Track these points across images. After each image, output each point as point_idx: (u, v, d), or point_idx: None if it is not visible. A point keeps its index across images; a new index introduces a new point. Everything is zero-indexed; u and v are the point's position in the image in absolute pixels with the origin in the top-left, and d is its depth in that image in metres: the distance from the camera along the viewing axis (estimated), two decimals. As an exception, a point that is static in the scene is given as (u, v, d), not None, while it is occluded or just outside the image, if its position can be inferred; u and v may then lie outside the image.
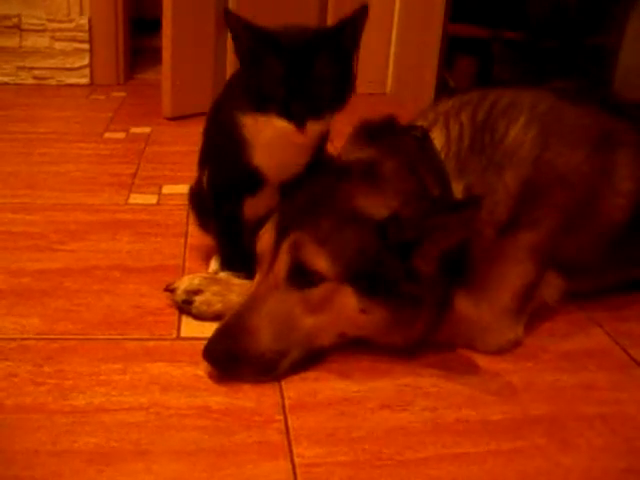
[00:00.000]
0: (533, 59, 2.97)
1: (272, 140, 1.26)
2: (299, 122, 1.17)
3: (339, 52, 1.20)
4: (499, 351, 1.30)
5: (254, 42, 1.17)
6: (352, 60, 1.24)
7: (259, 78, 1.18)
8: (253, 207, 1.41)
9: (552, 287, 1.40)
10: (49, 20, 3.20)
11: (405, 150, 1.26)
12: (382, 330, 1.20)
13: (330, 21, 3.17)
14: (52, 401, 1.10)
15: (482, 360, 1.28)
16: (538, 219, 1.31)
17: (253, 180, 1.35)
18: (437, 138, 1.32)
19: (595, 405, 1.19)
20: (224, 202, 1.43)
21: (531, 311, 1.36)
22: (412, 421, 1.11)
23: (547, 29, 2.89)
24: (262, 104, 1.19)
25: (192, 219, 1.63)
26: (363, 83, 3.50)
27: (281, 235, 1.19)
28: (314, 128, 1.19)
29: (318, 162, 1.33)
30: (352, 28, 1.22)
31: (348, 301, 1.15)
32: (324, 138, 1.33)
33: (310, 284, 1.15)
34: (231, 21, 1.18)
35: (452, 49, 2.95)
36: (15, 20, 3.18)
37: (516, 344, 1.32)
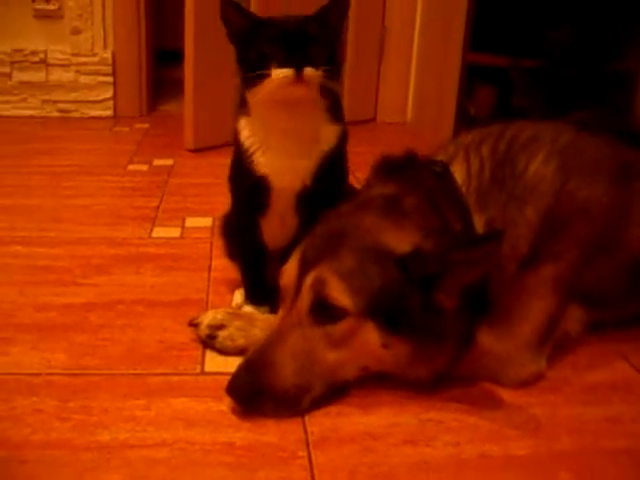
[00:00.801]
0: (553, 87, 2.98)
1: (270, 109, 1.34)
2: (298, 67, 1.26)
3: (327, 25, 1.34)
4: (522, 384, 1.29)
5: (251, 20, 1.34)
6: (338, 36, 1.39)
7: (258, 47, 1.30)
8: (271, 233, 1.45)
9: (574, 319, 1.39)
10: (74, 55, 3.27)
11: (426, 185, 1.27)
12: (404, 364, 1.20)
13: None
14: (77, 437, 1.11)
15: (505, 394, 1.27)
16: (559, 252, 1.32)
17: (261, 191, 1.39)
18: (458, 172, 1.32)
19: (620, 439, 1.18)
20: (242, 222, 1.46)
21: (554, 343, 1.35)
22: (435, 457, 1.10)
23: (566, 57, 2.90)
24: (259, 68, 1.29)
25: (222, 249, 1.64)
26: (383, 112, 3.53)
27: (304, 270, 1.20)
28: (311, 75, 1.27)
29: (340, 195, 1.35)
30: (337, 8, 1.36)
31: (370, 336, 1.16)
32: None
33: (333, 319, 1.16)
34: (227, 9, 1.34)
35: (472, 78, 2.97)
36: (42, 55, 3.25)
37: (539, 377, 1.31)
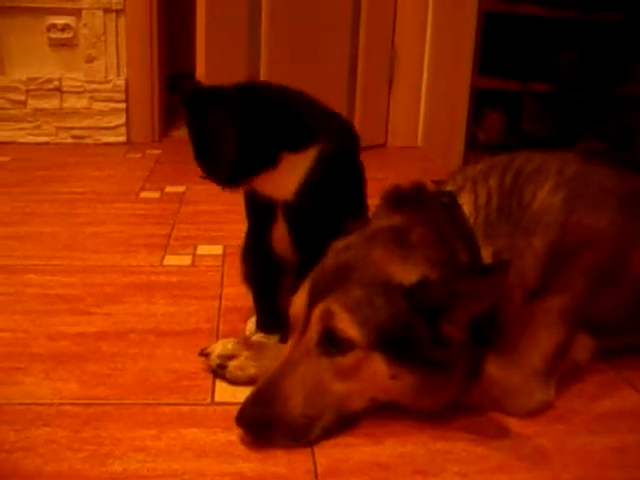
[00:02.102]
0: (562, 112, 2.99)
1: None
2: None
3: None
4: (530, 414, 1.30)
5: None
6: None
7: None
8: (280, 243, 1.47)
9: (582, 347, 1.40)
10: (88, 82, 3.32)
11: (434, 216, 1.28)
12: (412, 395, 1.21)
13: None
14: (89, 468, 1.12)
15: (512, 423, 1.28)
16: (567, 282, 1.32)
17: (261, 203, 1.44)
18: (465, 203, 1.34)
19: (627, 469, 1.18)
20: (254, 236, 1.51)
21: (562, 373, 1.36)
22: (443, 487, 1.11)
23: (575, 81, 2.91)
24: None
25: (233, 277, 1.68)
26: (394, 137, 3.54)
27: (313, 301, 1.21)
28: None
29: (349, 226, 1.37)
30: None
31: (378, 368, 1.17)
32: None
33: (341, 351, 1.17)
34: None
35: (481, 102, 2.98)
36: (56, 83, 3.30)
37: (547, 406, 1.32)
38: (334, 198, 1.39)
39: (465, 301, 1.15)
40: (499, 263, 1.24)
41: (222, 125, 1.33)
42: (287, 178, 1.39)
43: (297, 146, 1.38)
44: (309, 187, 1.39)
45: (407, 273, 1.18)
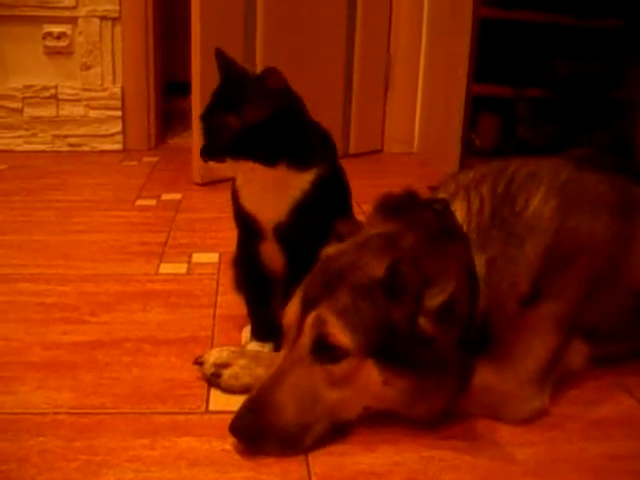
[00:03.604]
0: (556, 117, 3.00)
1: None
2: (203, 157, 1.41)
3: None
4: (524, 421, 1.30)
5: None
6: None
7: None
8: (269, 260, 1.49)
9: (577, 353, 1.40)
10: (84, 90, 3.32)
11: (426, 223, 1.28)
12: (405, 402, 1.21)
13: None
14: (82, 478, 1.11)
15: (506, 431, 1.28)
16: (561, 289, 1.32)
17: (250, 223, 1.46)
18: (458, 211, 1.34)
19: (622, 476, 1.18)
20: (244, 250, 1.53)
21: (556, 379, 1.36)
22: (437, 495, 1.11)
23: (569, 86, 2.92)
24: None
25: (228, 286, 1.67)
26: (391, 143, 3.55)
27: (305, 309, 1.21)
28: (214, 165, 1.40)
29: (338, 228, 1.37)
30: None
31: (371, 375, 1.17)
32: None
33: (333, 359, 1.17)
34: None
35: (476, 108, 2.99)
36: (52, 91, 3.31)
37: (541, 413, 1.32)
38: (326, 216, 1.40)
39: (433, 282, 1.15)
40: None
41: (252, 97, 1.35)
42: (280, 197, 1.41)
43: (297, 163, 1.39)
44: (303, 209, 1.41)
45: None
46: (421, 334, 1.16)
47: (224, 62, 1.45)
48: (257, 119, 1.35)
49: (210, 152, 1.37)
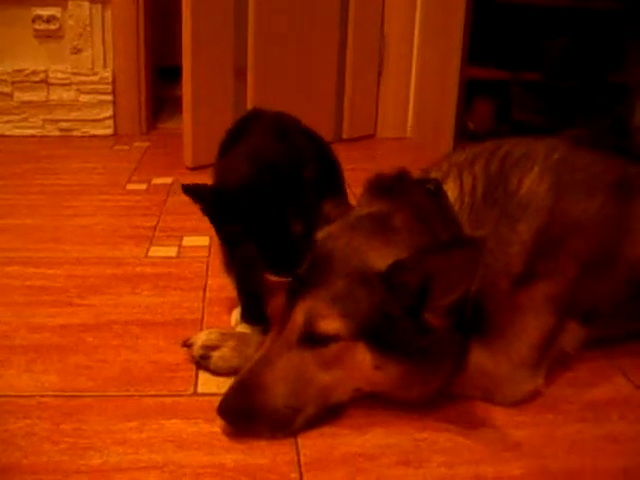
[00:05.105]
0: (552, 100, 2.98)
1: None
2: None
3: None
4: (517, 403, 1.28)
5: None
6: None
7: None
8: None
9: (571, 335, 1.38)
10: (74, 74, 3.28)
11: (417, 203, 1.25)
12: (397, 385, 1.19)
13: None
14: (68, 460, 1.10)
15: (500, 413, 1.26)
16: (554, 269, 1.31)
17: None
18: (450, 190, 1.32)
19: (618, 458, 1.17)
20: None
21: (550, 361, 1.34)
22: (429, 478, 1.09)
23: (565, 69, 2.90)
24: None
25: (218, 268, 1.64)
26: (384, 127, 3.52)
27: (295, 294, 1.19)
28: None
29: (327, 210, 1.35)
30: None
31: (362, 358, 1.15)
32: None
33: (323, 343, 1.15)
34: None
35: (471, 91, 2.97)
36: (42, 75, 3.27)
37: (535, 395, 1.30)
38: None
39: (442, 282, 1.11)
40: (474, 238, 1.17)
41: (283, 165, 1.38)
42: None
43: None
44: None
45: (385, 258, 1.15)
46: (424, 325, 1.14)
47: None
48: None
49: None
